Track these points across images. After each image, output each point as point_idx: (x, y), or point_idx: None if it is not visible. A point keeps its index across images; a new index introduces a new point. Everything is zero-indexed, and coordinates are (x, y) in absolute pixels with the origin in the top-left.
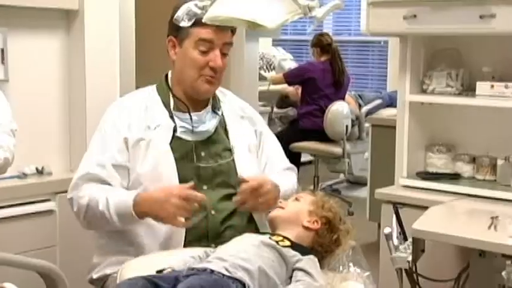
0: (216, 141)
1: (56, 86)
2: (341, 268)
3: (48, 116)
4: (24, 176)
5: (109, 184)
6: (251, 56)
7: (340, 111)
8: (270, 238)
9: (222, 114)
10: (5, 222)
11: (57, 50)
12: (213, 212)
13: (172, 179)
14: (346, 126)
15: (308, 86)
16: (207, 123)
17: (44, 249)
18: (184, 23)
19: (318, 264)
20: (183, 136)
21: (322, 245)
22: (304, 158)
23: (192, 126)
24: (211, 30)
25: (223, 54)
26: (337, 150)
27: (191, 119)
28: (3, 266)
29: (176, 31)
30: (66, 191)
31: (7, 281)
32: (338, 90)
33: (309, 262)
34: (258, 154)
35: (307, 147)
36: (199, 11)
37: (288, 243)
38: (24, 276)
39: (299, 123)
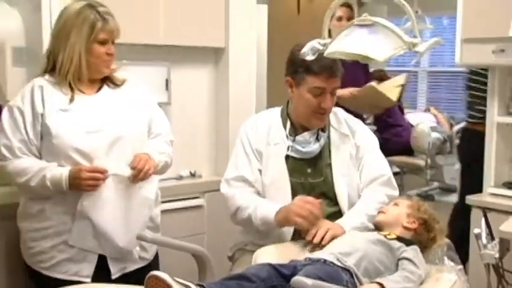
0: (319, 160)
1: (206, 108)
2: (437, 261)
3: (200, 131)
4: (180, 178)
5: (254, 186)
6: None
7: (424, 130)
8: (378, 233)
9: (329, 136)
10: (165, 214)
11: (207, 80)
12: None
13: (287, 190)
14: (429, 143)
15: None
16: (312, 144)
17: (195, 235)
18: (309, 57)
19: (420, 254)
20: (294, 155)
21: (421, 242)
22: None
23: (301, 147)
24: (324, 79)
25: (332, 95)
26: (421, 162)
27: (298, 140)
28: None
29: (293, 74)
30: (213, 190)
31: (167, 259)
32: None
33: (412, 252)
34: (357, 162)
35: (395, 160)
36: (321, 47)
37: (394, 236)
38: (178, 255)
39: (386, 147)
